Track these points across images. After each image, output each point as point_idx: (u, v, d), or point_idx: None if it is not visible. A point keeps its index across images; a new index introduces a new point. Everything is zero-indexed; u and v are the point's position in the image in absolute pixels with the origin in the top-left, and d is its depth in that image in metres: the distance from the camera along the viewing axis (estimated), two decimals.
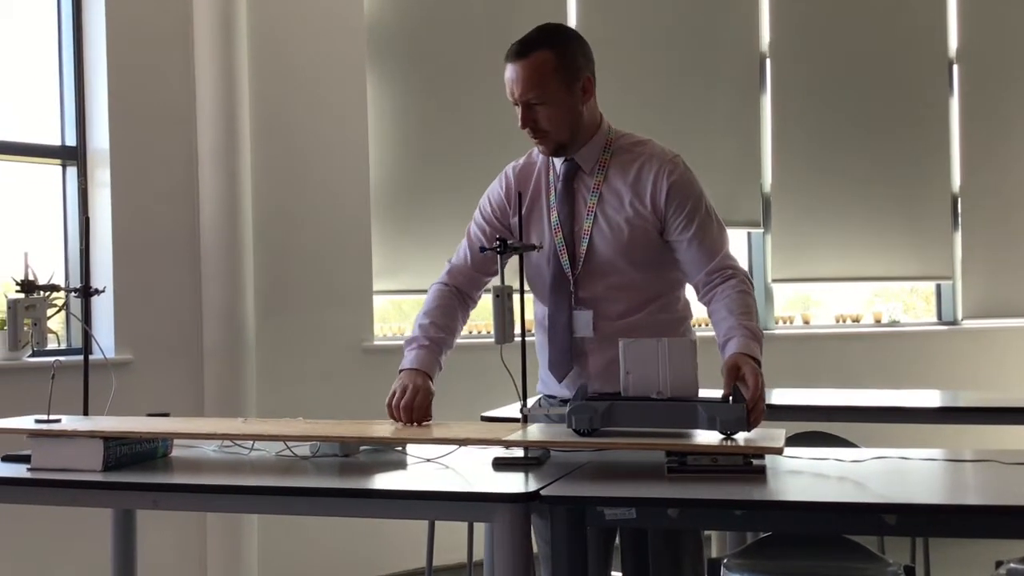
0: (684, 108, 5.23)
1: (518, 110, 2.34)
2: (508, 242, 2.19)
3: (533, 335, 2.49)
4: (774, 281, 5.48)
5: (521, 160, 2.53)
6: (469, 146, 4.72)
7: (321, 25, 4.48)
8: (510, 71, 2.31)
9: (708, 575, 2.49)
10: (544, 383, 2.50)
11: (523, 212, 2.39)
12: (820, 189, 5.55)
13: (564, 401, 2.40)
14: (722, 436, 1.99)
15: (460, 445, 2.21)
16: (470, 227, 2.58)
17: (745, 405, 1.97)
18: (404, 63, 4.77)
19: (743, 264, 2.45)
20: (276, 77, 4.36)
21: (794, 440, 2.85)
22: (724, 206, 5.31)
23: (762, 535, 2.64)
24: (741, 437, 2.05)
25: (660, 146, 2.42)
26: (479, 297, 2.62)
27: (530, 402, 2.95)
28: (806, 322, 5.73)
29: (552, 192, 2.42)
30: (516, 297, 2.21)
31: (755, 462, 1.97)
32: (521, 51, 2.30)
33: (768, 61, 5.46)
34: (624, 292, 2.36)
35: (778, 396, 3.63)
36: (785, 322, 5.66)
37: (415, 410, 2.30)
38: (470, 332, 5.01)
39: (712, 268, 2.34)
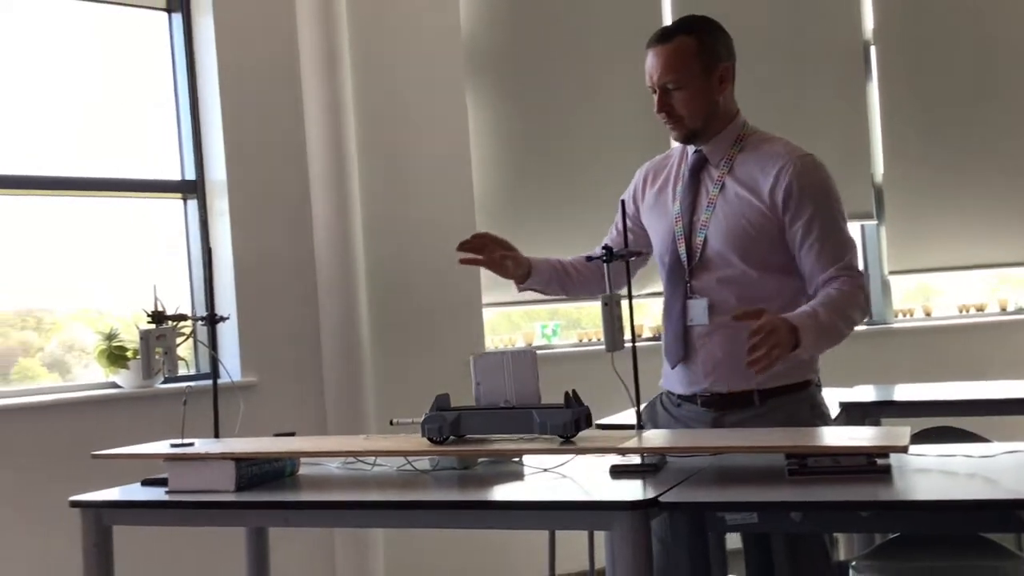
0: (787, 100, 5.11)
1: (655, 96, 2.37)
2: (614, 250, 2.20)
3: (649, 338, 2.50)
4: (891, 273, 5.31)
5: (660, 156, 2.59)
6: (570, 155, 4.73)
7: (420, 46, 4.57)
8: (650, 56, 2.36)
9: None
10: (666, 376, 2.50)
11: (651, 202, 2.48)
12: (934, 176, 5.36)
13: (680, 397, 2.43)
14: (561, 439, 2.05)
15: (576, 454, 2.23)
16: (617, 220, 2.58)
17: (574, 412, 2.06)
18: (502, 77, 4.82)
19: (858, 257, 2.39)
20: (379, 100, 4.46)
21: (920, 437, 2.76)
22: None
23: (890, 536, 2.57)
24: (864, 437, 2.01)
25: (791, 144, 2.38)
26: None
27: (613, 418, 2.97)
28: (927, 314, 5.54)
29: (679, 182, 2.45)
30: (625, 304, 2.21)
31: (879, 461, 1.92)
32: (663, 36, 2.35)
33: (873, 48, 5.31)
34: (735, 287, 2.34)
35: (901, 392, 3.53)
36: (905, 315, 5.48)
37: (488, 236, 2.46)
38: (580, 340, 5.02)
39: (828, 277, 2.28)
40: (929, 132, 5.35)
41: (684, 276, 2.38)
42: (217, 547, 3.68)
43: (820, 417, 2.38)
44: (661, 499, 1.83)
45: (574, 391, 2.12)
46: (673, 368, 2.42)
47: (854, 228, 5.32)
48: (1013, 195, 5.44)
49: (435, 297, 4.52)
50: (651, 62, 2.35)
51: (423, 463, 2.35)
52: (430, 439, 2.19)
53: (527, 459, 2.34)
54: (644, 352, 2.23)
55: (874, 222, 5.31)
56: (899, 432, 2.01)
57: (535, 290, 2.61)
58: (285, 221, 4.23)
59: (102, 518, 2.26)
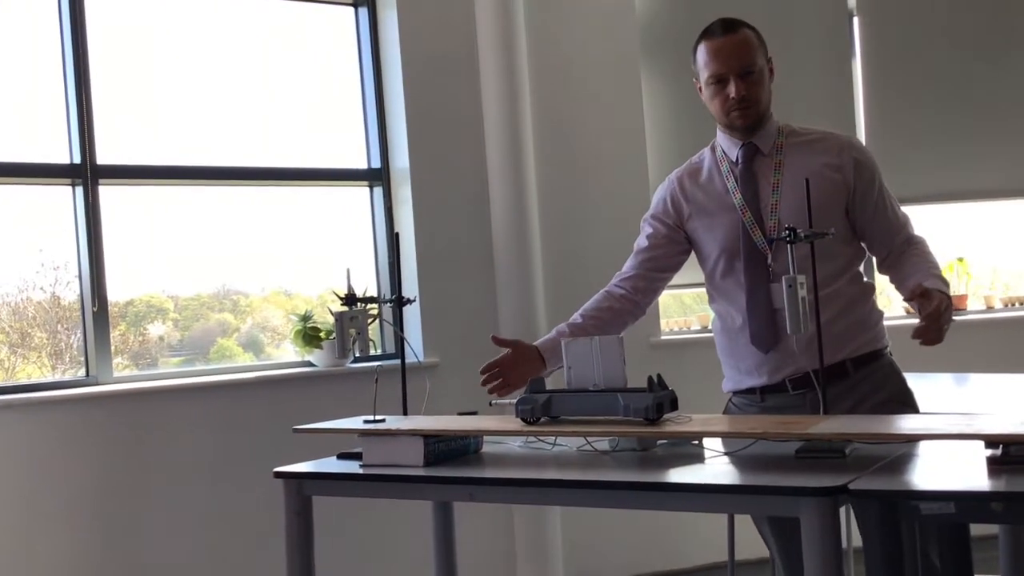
0: (976, 74, 4.83)
1: (715, 90, 2.44)
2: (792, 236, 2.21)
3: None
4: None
5: (683, 166, 2.64)
6: None
7: (595, 28, 4.57)
8: (718, 45, 2.43)
9: None
10: (735, 379, 2.53)
11: (698, 205, 2.54)
12: (917, 151, 4.87)
13: (763, 390, 2.44)
14: (645, 421, 2.12)
15: (757, 439, 2.20)
16: (637, 241, 2.68)
17: (656, 396, 2.12)
18: (677, 59, 4.74)
19: None
20: (555, 85, 4.50)
21: None
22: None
23: None
24: None
25: (831, 130, 2.51)
26: (648, 300, 2.68)
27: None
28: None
29: (731, 179, 2.48)
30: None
31: None
32: (728, 27, 2.44)
33: (856, 19, 4.90)
34: (818, 261, 2.28)
35: None
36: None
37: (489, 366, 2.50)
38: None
39: (902, 240, 2.46)
40: (913, 106, 4.91)
41: (766, 261, 2.41)
42: (406, 521, 3.84)
43: (905, 384, 2.48)
44: (851, 486, 1.78)
45: (659, 375, 2.18)
46: (767, 353, 2.42)
47: None
48: (998, 169, 4.93)
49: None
50: (722, 51, 2.42)
51: (603, 444, 2.37)
52: (523, 419, 2.27)
53: (707, 442, 2.33)
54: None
55: None
56: None
57: (557, 368, 2.56)
58: (465, 208, 4.34)
59: (303, 488, 2.39)
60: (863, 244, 2.51)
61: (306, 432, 2.54)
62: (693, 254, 2.66)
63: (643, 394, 2.16)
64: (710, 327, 4.89)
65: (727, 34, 2.44)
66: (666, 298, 4.96)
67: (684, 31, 4.74)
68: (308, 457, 2.54)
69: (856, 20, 5.00)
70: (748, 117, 2.45)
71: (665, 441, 2.36)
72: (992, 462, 1.84)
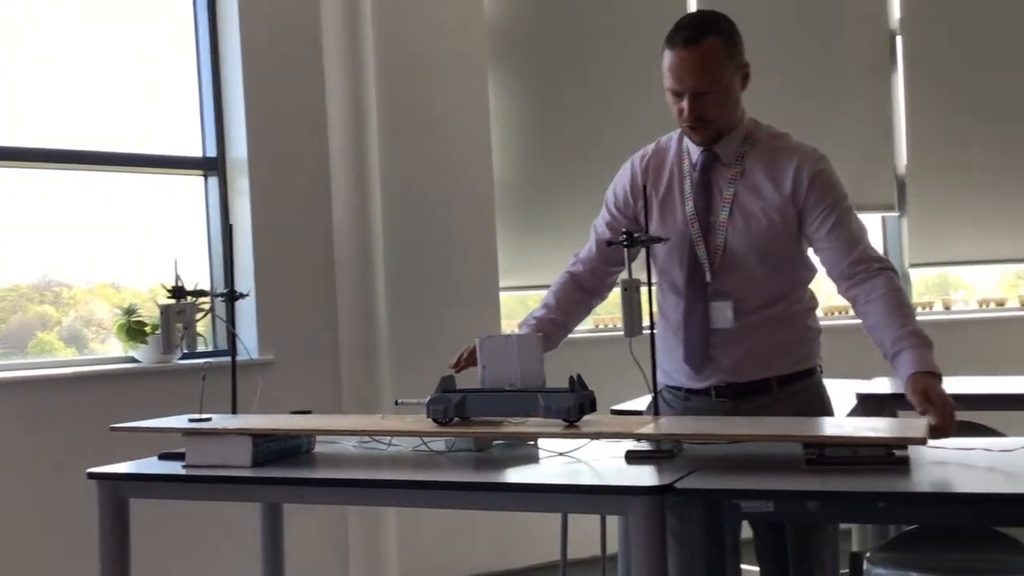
0: (814, 89, 5.09)
1: (673, 98, 2.29)
2: (635, 235, 2.18)
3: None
4: (912, 266, 5.28)
5: (649, 149, 2.49)
6: (593, 141, 4.72)
7: (444, 26, 4.56)
8: (677, 59, 2.24)
9: (850, 570, 2.43)
10: (667, 374, 2.45)
11: (655, 202, 2.38)
12: (957, 169, 5.31)
13: (689, 391, 2.40)
14: (565, 423, 2.08)
15: (592, 439, 2.23)
16: (596, 221, 2.57)
17: (578, 396, 2.07)
18: (525, 60, 4.80)
19: (878, 248, 2.39)
20: (402, 79, 4.46)
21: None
22: (857, 190, 5.12)
23: (906, 528, 2.56)
24: (883, 428, 2.00)
25: (798, 140, 2.38)
26: (608, 290, 2.61)
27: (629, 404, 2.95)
28: (947, 307, 5.51)
29: (687, 182, 2.38)
30: (644, 290, 2.20)
31: (897, 453, 1.92)
32: (691, 38, 2.23)
33: (899, 37, 5.26)
34: (758, 286, 2.33)
35: None
36: (925, 308, 5.45)
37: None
38: (597, 326, 5.01)
39: (855, 259, 2.28)
40: (954, 124, 5.30)
41: (705, 278, 2.33)
42: (232, 522, 3.72)
43: (826, 403, 2.43)
44: (677, 485, 1.83)
45: (579, 375, 2.13)
46: (699, 372, 2.37)
47: (875, 220, 5.29)
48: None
49: (452, 280, 4.53)
50: (679, 66, 2.24)
51: (439, 444, 2.35)
52: (435, 420, 2.19)
53: (542, 443, 2.34)
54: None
55: (895, 214, 5.27)
56: (917, 424, 2.00)
57: None
58: (305, 200, 4.24)
59: (118, 490, 2.28)
60: (820, 261, 2.37)
61: (123, 431, 2.41)
62: None
63: (565, 394, 2.10)
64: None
65: (688, 47, 2.23)
66: (511, 299, 4.99)
67: (532, 32, 4.88)
68: (132, 458, 2.41)
69: (899, 39, 5.23)
70: (703, 136, 2.32)
71: (501, 441, 2.37)
72: (809, 463, 1.93)
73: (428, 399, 2.21)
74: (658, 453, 2.09)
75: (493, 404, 2.18)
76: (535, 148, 4.78)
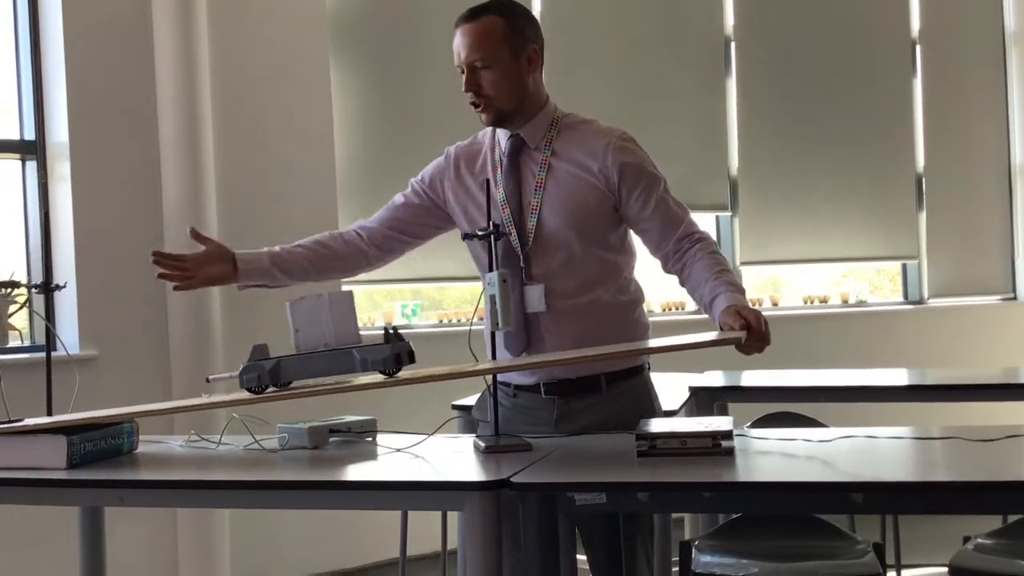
0: (648, 92, 5.24)
1: (463, 76, 2.33)
2: (499, 227, 2.18)
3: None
4: (742, 264, 5.50)
5: (466, 141, 2.52)
6: (436, 132, 4.68)
7: (282, 14, 4.44)
8: (458, 35, 2.33)
9: (679, 557, 2.50)
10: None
11: (466, 191, 2.41)
12: (786, 171, 5.58)
13: (518, 387, 2.39)
14: (383, 375, 2.09)
15: (420, 382, 2.21)
16: (398, 194, 2.55)
17: (394, 347, 2.09)
18: (366, 51, 4.73)
19: None
20: (238, 67, 4.31)
21: (764, 421, 2.87)
22: (691, 190, 5.39)
23: (732, 516, 2.66)
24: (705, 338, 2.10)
25: (606, 125, 2.42)
26: (384, 256, 2.55)
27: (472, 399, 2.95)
28: (775, 304, 5.77)
29: (499, 171, 2.40)
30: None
31: (724, 443, 1.98)
32: (470, 15, 2.33)
33: (732, 44, 5.47)
34: (576, 268, 2.34)
35: (747, 378, 3.65)
36: (754, 304, 5.66)
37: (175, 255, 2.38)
38: (441, 321, 5.00)
39: (679, 236, 2.33)
40: (783, 128, 5.56)
41: (519, 263, 2.33)
42: (49, 527, 3.51)
43: (655, 402, 2.48)
44: (513, 479, 1.83)
45: (395, 327, 2.14)
46: (516, 355, 2.35)
47: (709, 219, 5.48)
48: (859, 193, 5.72)
49: None
50: (459, 41, 2.33)
51: (272, 442, 2.28)
52: (249, 390, 2.12)
53: (381, 439, 2.31)
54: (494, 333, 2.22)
55: (728, 213, 5.48)
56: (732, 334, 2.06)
57: (250, 283, 2.49)
58: (132, 188, 4.05)
59: None
60: (643, 242, 2.40)
61: None
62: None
63: (380, 347, 2.08)
64: (392, 323, 4.92)
65: (466, 22, 2.32)
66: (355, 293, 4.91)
67: (373, 19, 4.80)
68: None
69: (733, 45, 5.38)
70: (487, 113, 2.34)
71: (338, 438, 2.32)
72: (640, 454, 1.97)
73: (240, 369, 2.13)
74: (518, 447, 2.09)
75: (308, 366, 2.12)
76: (378, 138, 4.72)
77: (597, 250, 2.36)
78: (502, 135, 2.41)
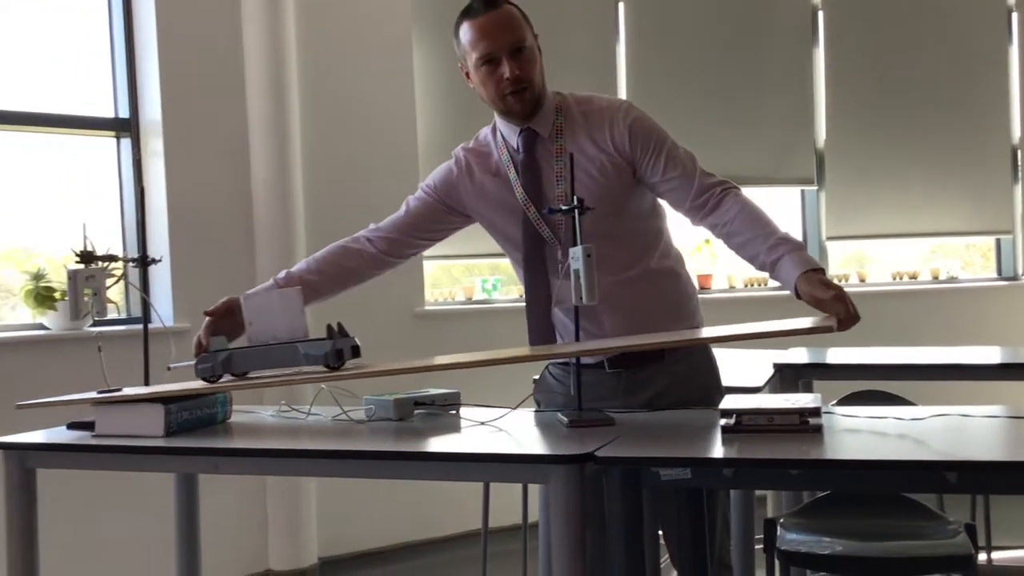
0: (734, 64, 5.14)
1: (487, 70, 2.28)
2: (583, 201, 2.15)
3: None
4: (829, 239, 5.39)
5: (470, 143, 2.49)
6: None
7: None
8: (484, 23, 2.27)
9: (764, 535, 2.48)
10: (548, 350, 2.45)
11: (485, 196, 2.40)
12: (875, 144, 5.43)
13: (567, 363, 2.40)
14: (326, 368, 2.18)
15: (488, 365, 2.17)
16: (408, 198, 2.55)
17: (335, 343, 2.20)
18: (447, 25, 4.73)
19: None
20: (323, 39, 4.37)
21: (852, 399, 2.82)
22: (776, 163, 5.30)
23: (818, 494, 2.62)
24: (795, 324, 2.06)
25: (606, 98, 2.41)
26: (398, 261, 2.58)
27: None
28: (862, 280, 5.64)
29: (512, 169, 2.38)
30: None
31: (812, 421, 1.95)
32: (488, 4, 2.28)
33: (820, 13, 5.34)
34: (618, 245, 2.32)
35: (834, 355, 3.59)
36: (840, 280, 5.58)
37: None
38: (520, 296, 5.01)
39: (698, 189, 2.29)
40: (873, 100, 5.41)
41: (556, 256, 2.32)
42: (146, 493, 3.64)
43: (716, 369, 2.47)
44: (597, 454, 1.84)
45: (339, 324, 2.23)
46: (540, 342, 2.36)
47: (794, 193, 5.39)
48: (950, 166, 5.55)
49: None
50: (489, 27, 2.26)
51: (359, 413, 2.33)
52: (204, 379, 2.24)
53: (464, 412, 2.34)
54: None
55: (814, 187, 5.37)
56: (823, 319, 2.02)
57: None
58: (222, 163, 4.14)
59: (25, 460, 2.20)
60: (667, 202, 2.39)
61: (30, 407, 2.33)
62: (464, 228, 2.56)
63: (322, 341, 2.19)
64: (474, 298, 4.97)
65: (490, 10, 2.26)
66: (435, 268, 4.96)
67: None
68: (40, 427, 2.34)
69: (820, 14, 5.28)
70: (525, 101, 2.30)
71: (423, 411, 2.35)
72: (725, 430, 1.95)
73: (195, 360, 2.26)
74: (600, 422, 2.10)
75: (257, 358, 2.24)
76: (459, 110, 4.73)
77: (633, 221, 2.35)
78: (507, 132, 2.39)
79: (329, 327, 2.21)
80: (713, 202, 2.27)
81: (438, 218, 2.51)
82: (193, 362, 2.26)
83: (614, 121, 2.32)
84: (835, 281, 4.52)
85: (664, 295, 2.38)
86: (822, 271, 2.11)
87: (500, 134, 2.41)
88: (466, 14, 2.31)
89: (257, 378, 2.26)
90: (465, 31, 2.31)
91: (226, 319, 2.37)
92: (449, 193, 2.47)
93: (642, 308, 2.33)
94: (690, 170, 2.31)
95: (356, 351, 2.22)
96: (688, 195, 2.30)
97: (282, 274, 2.49)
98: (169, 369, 2.34)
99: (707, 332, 2.32)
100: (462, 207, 2.47)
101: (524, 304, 2.44)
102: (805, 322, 2.11)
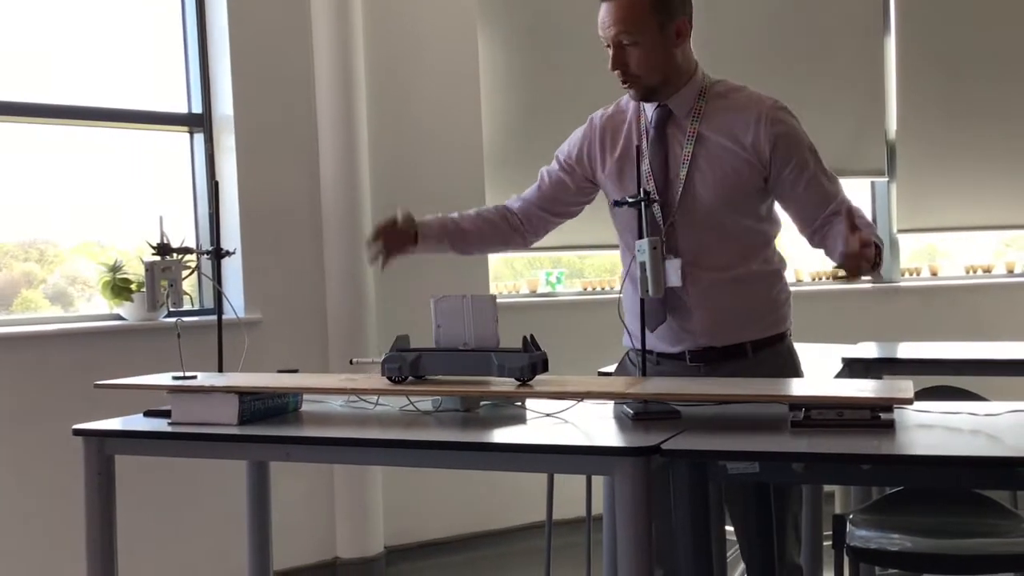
0: (803, 52, 5.07)
1: (609, 52, 2.28)
2: (649, 194, 2.16)
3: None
4: (900, 231, 5.29)
5: (610, 108, 2.48)
6: (580, 98, 4.67)
7: None
8: (603, 10, 2.26)
9: (833, 531, 2.45)
10: (635, 337, 2.40)
11: (611, 163, 2.38)
12: (948, 134, 5.31)
13: (661, 355, 2.38)
14: (518, 382, 2.13)
15: (579, 400, 2.23)
16: (543, 170, 2.56)
17: (531, 356, 2.12)
18: (513, 17, 4.75)
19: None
20: (390, 37, 4.41)
21: (923, 394, 2.76)
22: (846, 154, 5.21)
23: (888, 491, 2.58)
24: (869, 389, 2.01)
25: (758, 92, 2.34)
26: (535, 236, 2.60)
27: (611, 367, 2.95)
28: (934, 273, 5.52)
29: (644, 140, 2.35)
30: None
31: (883, 416, 1.92)
32: None
33: (892, 1, 5.23)
34: (728, 242, 2.31)
35: (904, 350, 3.52)
36: (912, 274, 5.47)
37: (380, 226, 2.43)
38: (585, 289, 5.01)
39: (829, 212, 2.29)
40: (946, 90, 5.29)
41: (661, 236, 2.27)
42: (218, 480, 3.73)
43: (798, 368, 2.44)
44: (663, 446, 1.83)
45: (532, 336, 2.16)
46: (653, 331, 2.35)
47: (864, 185, 5.29)
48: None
49: None
50: (604, 16, 2.25)
51: (426, 404, 2.35)
52: (390, 379, 2.22)
53: (530, 403, 2.34)
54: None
55: (885, 179, 5.27)
56: (903, 385, 2.01)
57: (427, 253, 2.58)
58: (292, 158, 4.20)
59: (104, 447, 2.27)
60: (790, 216, 2.37)
61: (108, 387, 2.40)
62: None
63: (518, 354, 2.13)
64: (538, 291, 4.98)
65: None
66: (497, 262, 4.98)
67: None
68: (117, 415, 2.40)
69: (892, 2, 5.17)
70: (635, 89, 2.30)
71: (489, 402, 2.37)
72: (794, 425, 1.93)
73: (383, 358, 2.23)
74: (667, 415, 2.09)
75: (447, 363, 2.20)
76: (524, 107, 4.74)
77: (748, 222, 2.32)
78: (647, 103, 2.37)
79: (524, 339, 2.15)
80: (831, 220, 2.27)
81: (570, 190, 2.50)
82: (378, 360, 2.24)
83: (760, 121, 2.27)
84: (904, 275, 4.42)
85: (758, 299, 2.36)
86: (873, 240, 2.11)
87: (642, 104, 2.38)
88: None
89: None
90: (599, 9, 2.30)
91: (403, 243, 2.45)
92: (580, 159, 2.48)
93: (734, 309, 2.31)
94: (826, 196, 2.29)
95: (546, 365, 2.17)
96: (815, 219, 2.30)
97: (454, 215, 2.54)
98: (352, 363, 2.40)
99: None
100: (592, 174, 2.47)
101: (588, 297, 2.44)
102: (883, 389, 2.06)
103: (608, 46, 2.29)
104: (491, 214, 2.58)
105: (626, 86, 2.32)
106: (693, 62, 2.35)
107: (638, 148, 2.26)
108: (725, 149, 2.27)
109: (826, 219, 2.29)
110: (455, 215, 2.57)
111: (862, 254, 2.05)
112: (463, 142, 4.56)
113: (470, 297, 2.22)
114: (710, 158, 2.28)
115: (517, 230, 2.58)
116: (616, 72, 2.29)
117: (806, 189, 2.28)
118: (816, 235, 2.33)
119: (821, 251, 2.35)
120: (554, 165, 2.54)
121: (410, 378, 2.23)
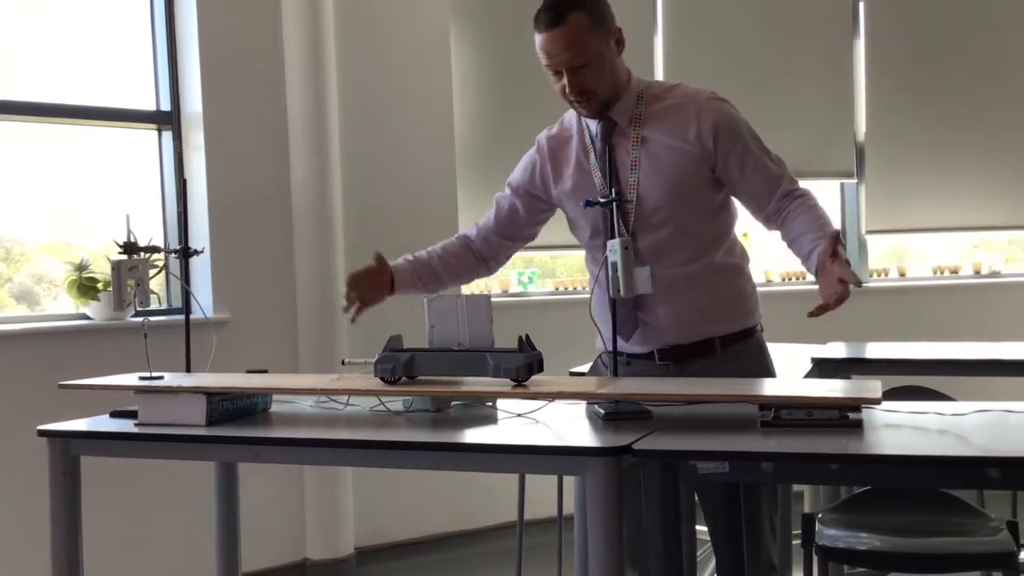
0: (773, 55, 5.10)
1: (554, 78, 2.30)
2: (621, 194, 2.18)
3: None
4: (868, 233, 5.33)
5: (554, 128, 2.52)
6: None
7: None
8: (546, 41, 2.26)
9: (802, 531, 2.46)
10: (607, 339, 2.42)
11: (570, 178, 2.41)
12: (916, 136, 5.36)
13: (631, 355, 2.40)
14: (513, 382, 2.11)
15: (550, 400, 2.23)
16: (498, 195, 2.60)
17: (527, 356, 2.10)
18: (487, 15, 4.74)
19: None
20: (361, 33, 4.39)
21: (891, 394, 2.77)
22: (816, 156, 5.24)
23: (857, 490, 2.60)
24: (838, 389, 2.02)
25: (693, 87, 2.38)
26: (497, 263, 2.67)
27: (586, 367, 2.96)
28: (902, 274, 5.58)
29: (592, 155, 2.39)
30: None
31: (851, 416, 1.94)
32: (554, 18, 2.25)
33: (861, 3, 5.27)
34: (685, 238, 2.33)
35: (873, 350, 3.55)
36: (880, 275, 5.51)
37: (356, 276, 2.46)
38: (557, 288, 5.01)
39: (780, 195, 2.31)
40: (914, 93, 5.34)
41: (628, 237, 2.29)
42: (187, 481, 3.69)
43: (769, 363, 2.45)
44: (634, 446, 1.83)
45: (527, 336, 2.14)
46: (628, 340, 2.37)
47: (834, 186, 5.33)
48: (992, 159, 5.46)
49: (412, 240, 4.43)
50: (549, 45, 2.26)
51: (396, 404, 2.34)
52: (382, 379, 2.20)
53: (500, 404, 2.34)
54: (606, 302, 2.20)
55: (853, 180, 5.31)
56: (871, 385, 2.02)
57: (402, 295, 2.59)
58: (262, 156, 4.17)
59: (70, 448, 2.24)
60: (743, 204, 2.40)
61: (73, 387, 2.37)
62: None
63: (514, 354, 2.11)
64: (510, 291, 4.96)
65: (552, 27, 2.24)
66: None
67: None
68: (83, 416, 2.38)
69: (861, 6, 5.18)
70: (591, 108, 2.33)
71: (460, 402, 2.36)
72: (764, 424, 1.94)
73: (376, 358, 2.20)
74: (638, 415, 2.09)
75: (441, 364, 2.18)
76: (496, 103, 4.73)
77: (703, 216, 2.35)
78: (588, 119, 2.40)
79: (520, 339, 2.13)
80: (786, 205, 2.30)
81: (528, 215, 2.55)
82: (371, 359, 2.22)
83: (699, 113, 2.30)
84: (872, 276, 4.44)
85: (723, 293, 2.38)
86: (846, 261, 2.10)
87: (582, 119, 2.42)
88: (535, 21, 2.30)
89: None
90: (536, 38, 2.31)
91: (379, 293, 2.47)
92: (532, 182, 2.51)
93: (698, 304, 2.33)
94: (774, 179, 2.32)
95: (541, 365, 2.15)
96: (767, 203, 2.33)
97: (410, 256, 2.58)
98: (344, 363, 2.38)
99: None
100: (547, 195, 2.50)
101: (559, 297, 2.46)
102: (852, 390, 2.07)
103: (556, 73, 2.29)
104: (456, 248, 2.62)
105: (581, 106, 2.34)
106: (627, 69, 2.39)
107: (608, 149, 2.28)
108: (670, 148, 2.30)
109: (780, 204, 2.32)
110: (423, 254, 2.59)
111: (841, 294, 2.04)
112: (435, 140, 4.55)
113: (465, 297, 2.22)
114: (657, 159, 2.31)
115: (482, 260, 2.63)
116: (569, 93, 2.29)
117: (754, 173, 2.31)
118: (772, 220, 2.35)
119: (778, 235, 2.36)
120: (507, 191, 2.59)
121: (403, 378, 2.21)
